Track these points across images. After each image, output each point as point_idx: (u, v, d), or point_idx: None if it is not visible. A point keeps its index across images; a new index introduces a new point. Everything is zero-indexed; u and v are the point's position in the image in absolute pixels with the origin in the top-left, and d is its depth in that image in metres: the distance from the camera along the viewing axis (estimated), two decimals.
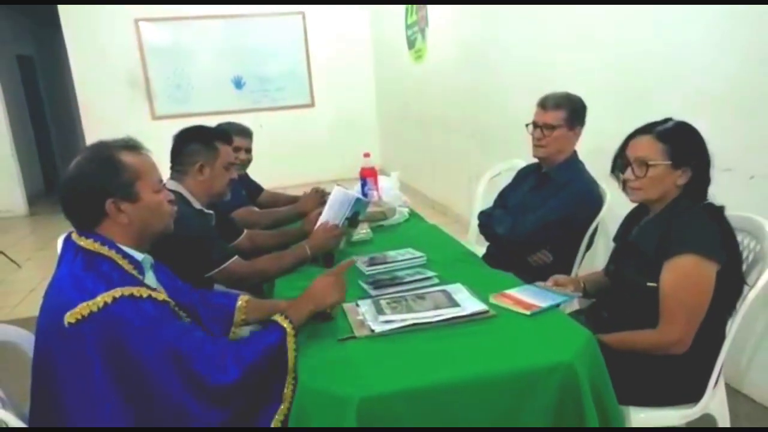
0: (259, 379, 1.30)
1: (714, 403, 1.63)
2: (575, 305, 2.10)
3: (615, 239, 1.81)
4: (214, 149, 1.99)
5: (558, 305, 1.58)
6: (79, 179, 1.31)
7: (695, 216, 1.55)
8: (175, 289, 1.54)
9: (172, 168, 2.00)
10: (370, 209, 2.54)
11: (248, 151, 2.85)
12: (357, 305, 1.62)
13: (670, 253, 1.51)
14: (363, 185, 2.74)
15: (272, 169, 5.12)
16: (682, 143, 1.59)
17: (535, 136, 2.25)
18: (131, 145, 1.38)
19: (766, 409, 2.23)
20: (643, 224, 1.70)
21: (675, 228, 1.54)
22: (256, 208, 2.83)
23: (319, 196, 2.80)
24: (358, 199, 2.14)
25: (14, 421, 1.20)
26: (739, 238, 1.61)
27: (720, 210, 1.57)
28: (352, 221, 2.17)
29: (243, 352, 1.29)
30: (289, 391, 1.32)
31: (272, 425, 1.31)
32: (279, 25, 7.41)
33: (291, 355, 1.33)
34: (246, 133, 2.83)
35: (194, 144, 1.98)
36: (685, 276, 1.50)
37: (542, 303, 1.56)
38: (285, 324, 1.35)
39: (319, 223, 2.14)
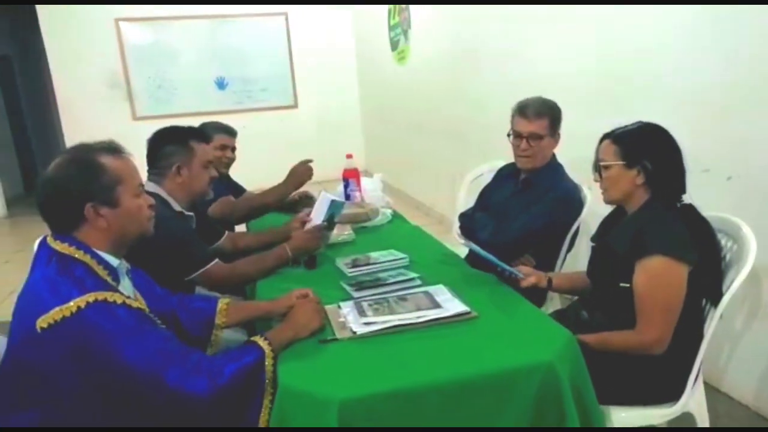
0: (232, 400, 1.27)
1: (693, 401, 1.64)
2: (556, 303, 2.12)
3: (593, 239, 1.83)
4: (189, 149, 1.96)
5: (499, 267, 1.76)
6: (58, 182, 1.29)
7: (666, 218, 1.57)
8: (152, 295, 1.52)
9: (149, 171, 1.98)
10: (353, 210, 2.53)
11: (233, 149, 2.83)
12: (339, 307, 1.62)
13: (641, 255, 1.53)
14: (345, 186, 2.74)
15: (255, 170, 5.08)
16: (633, 143, 1.62)
17: (521, 147, 2.18)
18: (113, 148, 1.36)
19: (745, 407, 2.26)
20: (618, 226, 1.72)
21: (646, 230, 1.56)
22: (233, 198, 2.75)
23: (306, 170, 2.66)
24: (332, 201, 2.14)
25: None
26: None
27: (692, 211, 1.59)
28: (329, 223, 2.16)
29: (219, 368, 1.27)
30: (266, 415, 1.29)
31: None
32: (262, 26, 7.37)
33: (268, 377, 1.31)
34: (231, 131, 2.81)
35: (169, 146, 1.95)
36: (656, 277, 1.51)
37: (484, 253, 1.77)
38: (264, 346, 1.34)
39: (308, 227, 2.14)
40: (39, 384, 1.21)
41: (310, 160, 2.67)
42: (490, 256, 1.77)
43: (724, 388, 2.34)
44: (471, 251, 2.30)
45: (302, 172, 2.64)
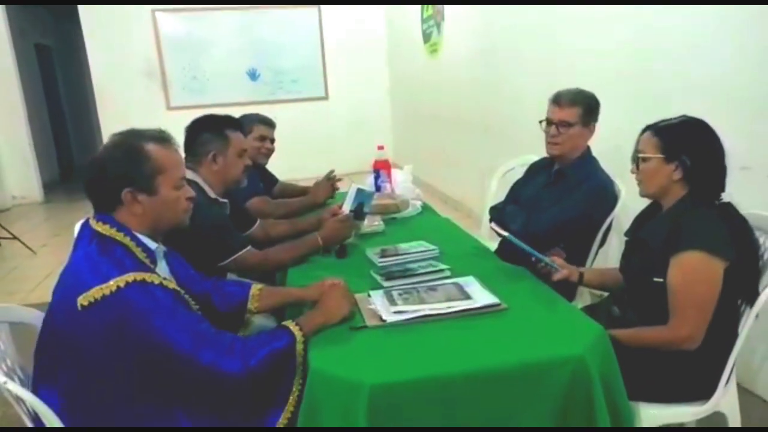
0: (262, 382, 1.31)
1: (725, 401, 1.62)
2: (586, 299, 2.10)
3: (626, 234, 1.81)
4: (225, 138, 2.00)
5: (534, 256, 1.79)
6: (103, 163, 1.34)
7: (703, 213, 1.54)
8: (187, 277, 1.56)
9: (186, 158, 2.02)
10: (384, 201, 2.54)
11: (272, 141, 2.87)
12: (369, 295, 1.63)
13: (677, 249, 1.51)
14: (376, 177, 2.75)
15: (285, 160, 5.13)
16: (674, 137, 1.59)
17: (550, 134, 2.20)
18: (162, 138, 1.40)
19: None
20: (653, 220, 1.69)
21: (682, 224, 1.54)
22: (270, 199, 2.85)
23: (330, 186, 2.83)
24: (359, 190, 2.16)
25: (45, 410, 1.21)
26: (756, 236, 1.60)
27: (730, 207, 1.56)
28: (358, 214, 2.18)
29: (251, 350, 1.30)
30: (294, 398, 1.32)
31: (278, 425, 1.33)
32: (295, 17, 7.42)
33: (299, 361, 1.34)
34: (269, 123, 2.85)
35: (205, 134, 2.00)
36: (691, 272, 1.49)
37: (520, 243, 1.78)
38: (295, 331, 1.36)
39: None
40: (75, 357, 1.25)
41: (333, 172, 2.94)
42: (527, 247, 1.76)
43: (758, 391, 2.30)
44: (502, 244, 2.30)
45: (324, 188, 2.86)
